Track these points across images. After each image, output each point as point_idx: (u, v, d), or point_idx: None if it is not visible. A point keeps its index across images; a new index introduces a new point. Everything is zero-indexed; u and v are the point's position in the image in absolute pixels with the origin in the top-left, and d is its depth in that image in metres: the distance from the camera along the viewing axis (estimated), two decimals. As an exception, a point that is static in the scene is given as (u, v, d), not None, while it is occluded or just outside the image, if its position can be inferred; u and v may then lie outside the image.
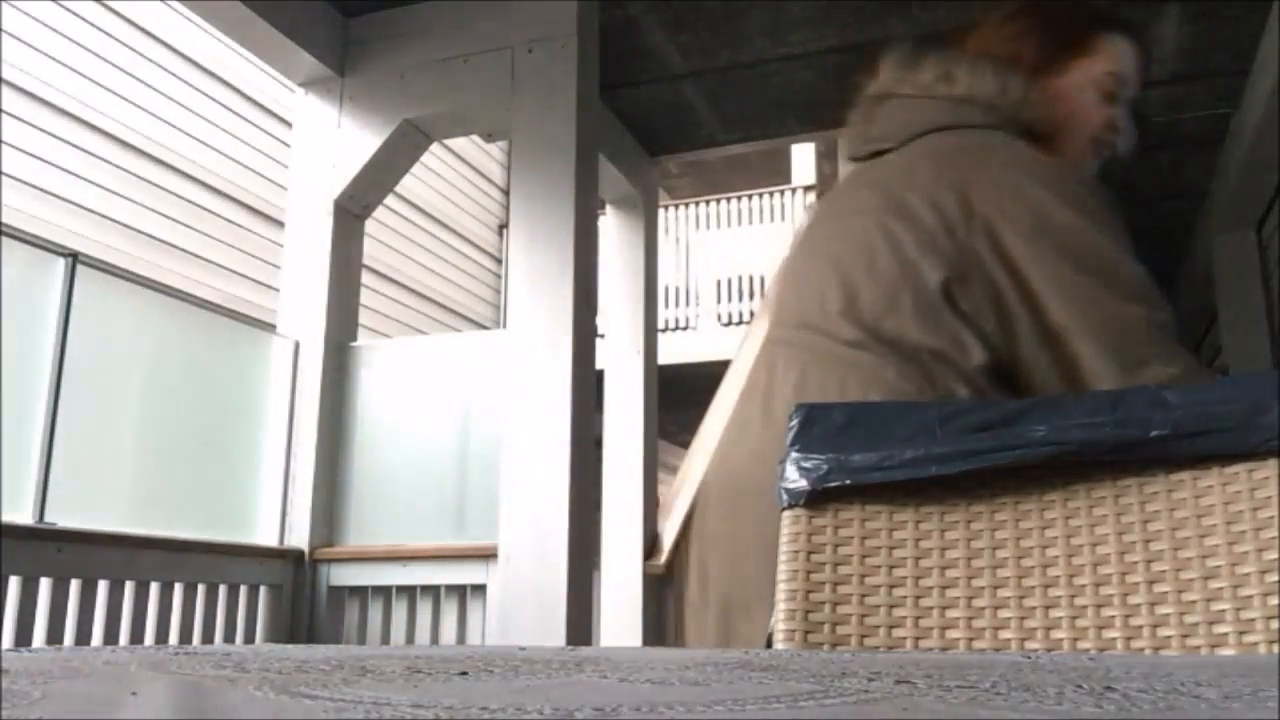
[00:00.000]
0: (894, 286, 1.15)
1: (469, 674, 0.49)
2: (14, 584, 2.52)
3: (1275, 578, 0.83)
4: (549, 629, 2.97)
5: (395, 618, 3.37)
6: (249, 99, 5.87)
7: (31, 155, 4.59)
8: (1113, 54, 1.34)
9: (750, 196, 8.53)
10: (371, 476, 3.50)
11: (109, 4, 5.05)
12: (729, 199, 8.53)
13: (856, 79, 1.37)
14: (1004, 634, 0.91)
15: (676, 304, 8.12)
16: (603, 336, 4.39)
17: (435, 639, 3.29)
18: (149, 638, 2.87)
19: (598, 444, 3.84)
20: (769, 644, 0.96)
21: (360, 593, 3.40)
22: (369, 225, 4.00)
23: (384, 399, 3.59)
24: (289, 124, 4.13)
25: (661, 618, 4.35)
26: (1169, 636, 0.86)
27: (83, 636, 2.68)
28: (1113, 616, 0.89)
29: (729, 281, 8.08)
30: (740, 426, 1.29)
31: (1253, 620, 0.83)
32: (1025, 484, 0.97)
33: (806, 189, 8.50)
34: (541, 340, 3.23)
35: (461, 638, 3.27)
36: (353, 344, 3.66)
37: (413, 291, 7.18)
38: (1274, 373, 0.90)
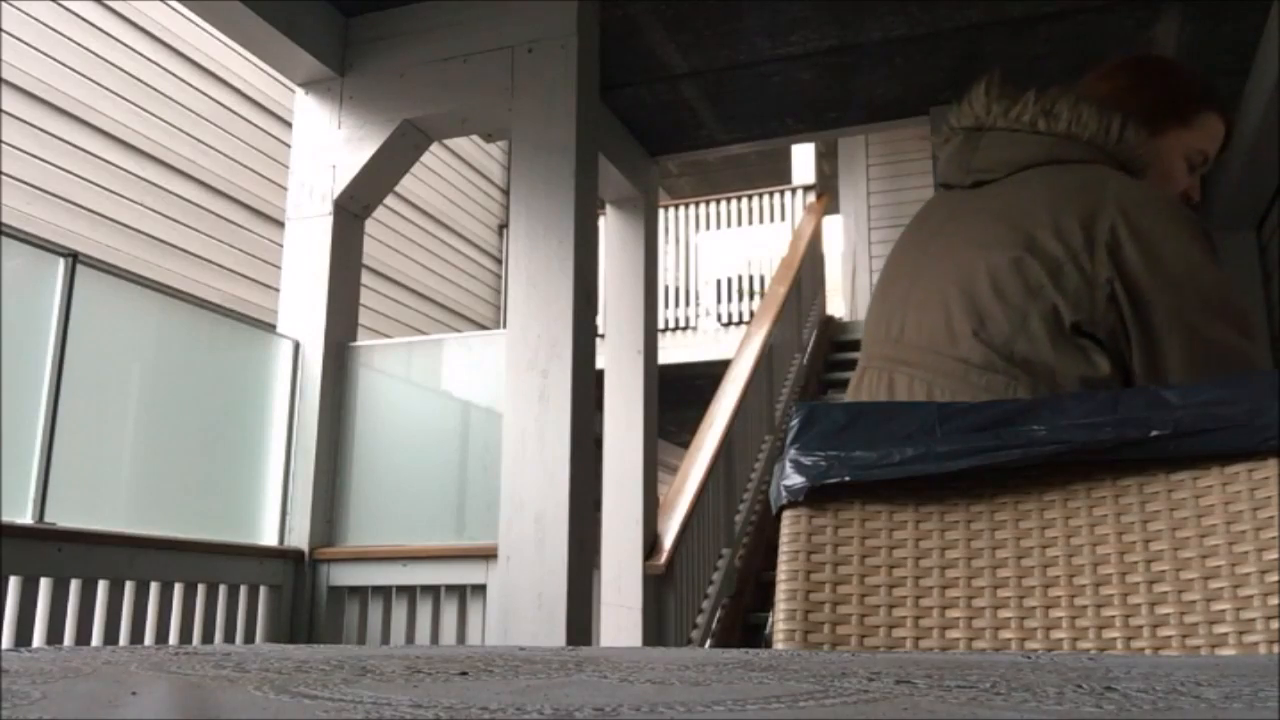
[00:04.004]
0: (1023, 311, 1.22)
1: (469, 674, 0.49)
2: (14, 584, 2.52)
3: (1275, 578, 0.83)
4: (549, 629, 2.97)
5: (395, 618, 3.37)
6: (249, 99, 5.87)
7: (31, 155, 4.59)
8: (1208, 132, 1.42)
9: (750, 196, 8.52)
10: (371, 476, 3.50)
11: (108, 4, 5.05)
12: (729, 199, 8.52)
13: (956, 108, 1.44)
14: (1004, 634, 0.91)
15: (676, 304, 8.11)
16: (603, 336, 4.39)
17: (435, 639, 3.29)
18: (149, 638, 2.87)
19: (598, 444, 3.83)
20: (769, 644, 0.96)
21: (360, 593, 3.40)
22: (369, 225, 4.00)
23: (384, 399, 3.59)
24: (289, 124, 4.12)
25: (661, 618, 4.35)
26: (1169, 636, 0.86)
27: (83, 636, 2.68)
28: (1113, 616, 0.89)
29: (729, 281, 8.08)
30: None
31: (1253, 620, 0.83)
32: (1025, 484, 0.96)
33: (806, 189, 8.49)
34: (541, 340, 3.23)
35: (461, 638, 3.27)
36: (353, 344, 3.66)
37: (413, 291, 7.18)
38: (1274, 373, 0.90)
